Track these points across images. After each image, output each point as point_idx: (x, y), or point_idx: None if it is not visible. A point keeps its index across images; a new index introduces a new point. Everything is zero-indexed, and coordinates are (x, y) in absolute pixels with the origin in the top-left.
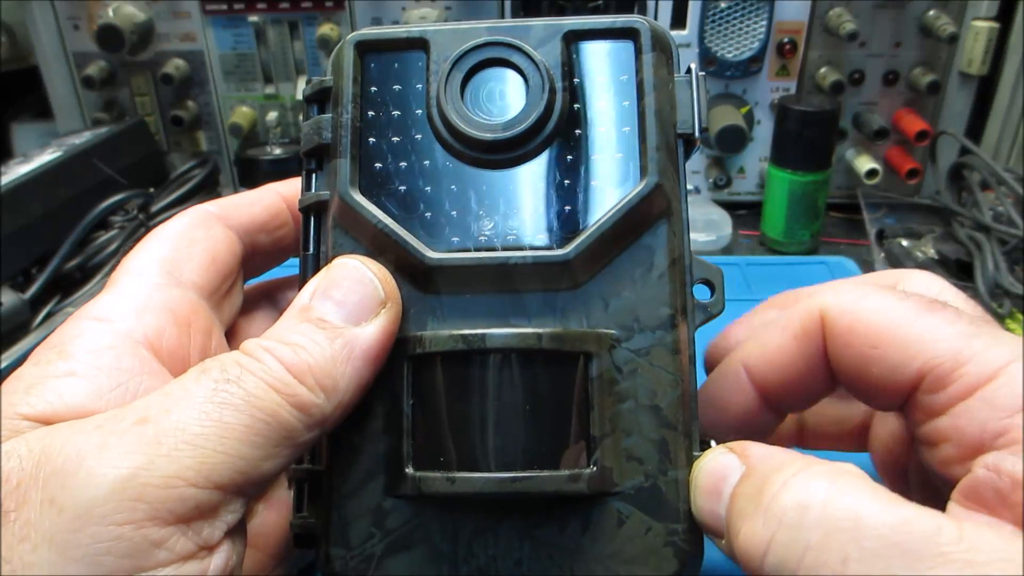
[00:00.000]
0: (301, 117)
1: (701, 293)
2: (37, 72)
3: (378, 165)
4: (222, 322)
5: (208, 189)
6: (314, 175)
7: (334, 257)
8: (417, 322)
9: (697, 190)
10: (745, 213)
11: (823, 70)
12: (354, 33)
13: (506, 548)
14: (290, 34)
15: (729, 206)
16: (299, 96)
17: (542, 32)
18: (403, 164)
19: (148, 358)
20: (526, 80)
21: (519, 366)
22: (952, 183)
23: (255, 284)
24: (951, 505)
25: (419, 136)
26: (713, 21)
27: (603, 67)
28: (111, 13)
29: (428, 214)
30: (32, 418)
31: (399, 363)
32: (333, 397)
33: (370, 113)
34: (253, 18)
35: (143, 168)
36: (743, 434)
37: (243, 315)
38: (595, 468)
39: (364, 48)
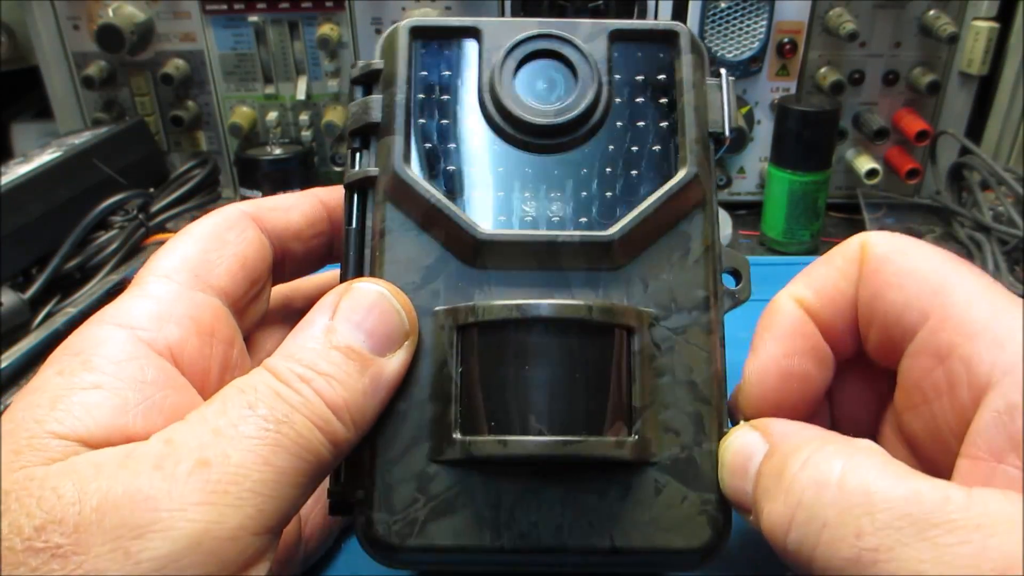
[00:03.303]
0: (348, 98)
1: (728, 281)
2: (37, 72)
3: (427, 145)
4: (246, 328)
5: (208, 189)
6: (359, 154)
7: (380, 231)
8: (463, 294)
9: None
10: (745, 213)
11: (823, 70)
12: (408, 19)
13: (548, 514)
14: (290, 34)
15: (729, 206)
16: (299, 96)
17: (589, 29)
18: (452, 145)
19: (171, 370)
20: (575, 72)
21: (568, 336)
22: (952, 183)
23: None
24: (960, 463)
25: (468, 119)
26: (713, 21)
27: (643, 66)
28: (111, 13)
29: (475, 193)
30: (62, 436)
31: (447, 332)
32: (360, 430)
33: (420, 96)
34: (253, 18)
35: (143, 168)
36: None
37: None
38: (636, 437)
39: (416, 34)
